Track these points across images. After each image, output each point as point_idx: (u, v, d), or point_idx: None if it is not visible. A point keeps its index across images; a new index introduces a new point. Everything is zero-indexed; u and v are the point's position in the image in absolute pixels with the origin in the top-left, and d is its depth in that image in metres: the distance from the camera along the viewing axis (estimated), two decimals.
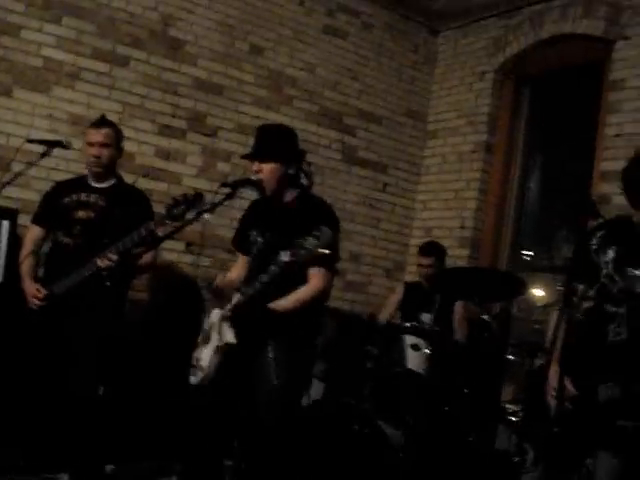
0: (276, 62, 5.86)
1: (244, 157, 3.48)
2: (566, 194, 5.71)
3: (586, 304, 3.01)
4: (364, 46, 6.33)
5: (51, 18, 4.94)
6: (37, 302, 3.81)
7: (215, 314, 3.28)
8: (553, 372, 2.88)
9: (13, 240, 4.15)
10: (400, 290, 5.50)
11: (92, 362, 3.73)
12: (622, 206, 3.15)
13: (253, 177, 3.29)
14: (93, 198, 3.93)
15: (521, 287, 4.42)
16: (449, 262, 5.53)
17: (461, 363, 4.49)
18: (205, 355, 3.25)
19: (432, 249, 5.28)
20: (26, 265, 3.97)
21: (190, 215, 3.38)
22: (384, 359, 4.36)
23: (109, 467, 4.05)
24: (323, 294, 3.30)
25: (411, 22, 6.57)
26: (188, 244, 5.30)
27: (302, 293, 3.22)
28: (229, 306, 3.19)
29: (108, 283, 3.58)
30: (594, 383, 2.80)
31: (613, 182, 4.84)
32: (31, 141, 4.07)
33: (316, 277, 3.23)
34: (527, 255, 5.93)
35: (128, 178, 4.35)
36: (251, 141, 3.47)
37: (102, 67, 5.13)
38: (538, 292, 5.46)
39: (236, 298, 3.19)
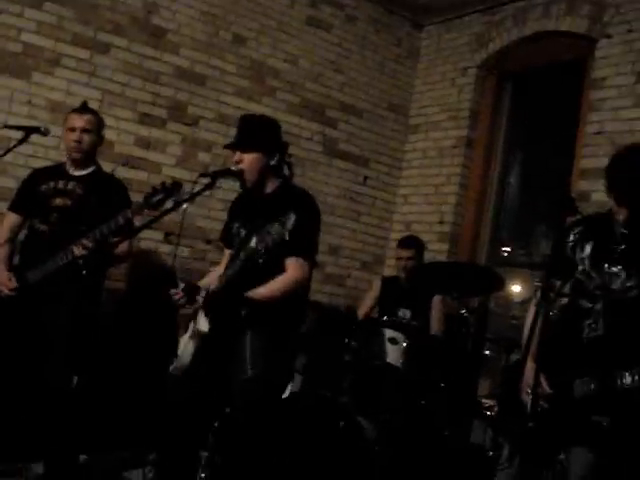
0: (259, 53, 5.83)
1: (226, 147, 3.45)
2: (546, 191, 5.74)
3: (561, 300, 3.03)
4: (347, 39, 6.31)
5: (32, 3, 4.87)
6: (7, 292, 3.77)
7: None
8: (529, 368, 2.89)
9: None
10: (377, 285, 5.50)
11: (66, 351, 3.70)
12: (601, 203, 3.17)
13: (233, 167, 3.27)
14: (71, 186, 3.90)
15: (499, 283, 4.44)
16: (428, 257, 5.54)
17: (438, 357, 4.50)
18: (181, 344, 3.25)
19: (411, 242, 5.31)
20: (1, 253, 3.93)
21: (168, 204, 3.36)
22: (363, 352, 4.36)
23: (83, 457, 4.02)
24: (300, 284, 3.27)
25: (395, 16, 6.56)
26: (167, 234, 5.29)
27: (278, 282, 3.19)
28: (203, 294, 3.18)
29: (84, 271, 3.54)
30: (570, 379, 2.81)
31: (592, 179, 4.88)
32: (8, 127, 4.03)
33: (292, 267, 3.21)
34: (505, 251, 5.95)
35: (107, 167, 4.32)
36: (232, 132, 3.46)
37: (82, 54, 5.07)
38: (516, 288, 5.49)
39: (212, 287, 3.19)
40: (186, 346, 3.22)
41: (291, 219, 2.90)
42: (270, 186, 3.33)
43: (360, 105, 6.38)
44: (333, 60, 6.23)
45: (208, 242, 5.46)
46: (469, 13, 6.28)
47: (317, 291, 5.78)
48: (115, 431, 4.44)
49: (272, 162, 3.29)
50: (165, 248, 5.31)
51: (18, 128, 3.91)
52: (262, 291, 3.16)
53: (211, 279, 3.46)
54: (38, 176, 4.04)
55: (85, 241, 3.56)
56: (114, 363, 4.75)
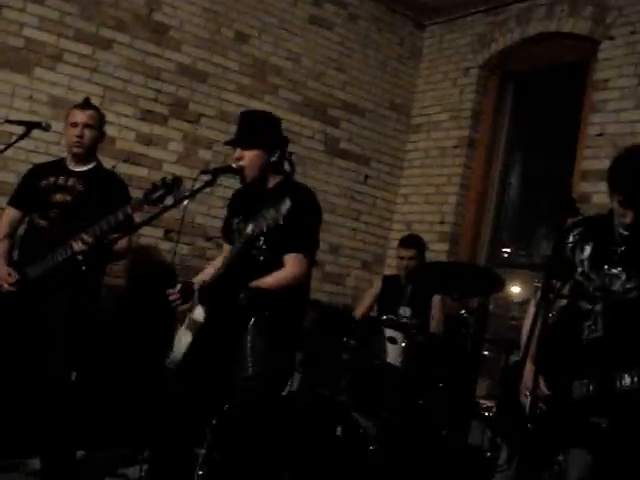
0: (261, 50, 5.82)
1: (226, 143, 3.45)
2: (547, 192, 5.73)
3: (561, 302, 3.03)
4: (350, 37, 6.30)
5: None
6: (7, 287, 3.77)
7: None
8: (528, 370, 2.88)
9: None
10: (378, 284, 5.50)
11: (65, 347, 3.69)
12: (602, 205, 3.16)
13: (234, 164, 3.27)
14: (71, 182, 3.89)
15: (499, 283, 4.44)
16: (429, 256, 5.54)
17: (437, 357, 4.49)
18: (177, 335, 3.24)
19: (413, 241, 5.30)
20: (1, 248, 3.93)
21: (168, 201, 3.35)
22: (362, 351, 4.35)
23: (80, 453, 4.02)
24: (298, 280, 3.25)
25: (397, 15, 6.56)
26: (167, 231, 5.29)
27: (275, 276, 3.17)
28: (200, 283, 3.18)
29: (84, 267, 3.54)
30: (568, 380, 2.81)
31: (594, 181, 4.87)
32: (9, 122, 4.03)
33: (290, 262, 3.19)
34: (506, 252, 5.95)
35: (108, 163, 4.31)
36: (234, 129, 3.45)
37: (85, 49, 5.07)
38: (516, 289, 5.48)
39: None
40: (181, 337, 3.21)
41: (286, 204, 2.87)
42: (271, 182, 3.32)
43: (362, 104, 6.38)
44: (335, 59, 6.22)
45: (208, 239, 5.45)
46: (472, 13, 6.28)
47: (317, 290, 5.77)
48: (113, 427, 4.44)
49: (273, 159, 3.28)
50: (165, 245, 5.30)
51: (19, 123, 3.92)
52: (260, 283, 3.14)
53: (205, 274, 3.45)
54: (38, 171, 4.03)
55: (85, 237, 3.55)
56: (113, 359, 4.74)
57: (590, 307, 2.89)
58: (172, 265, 5.06)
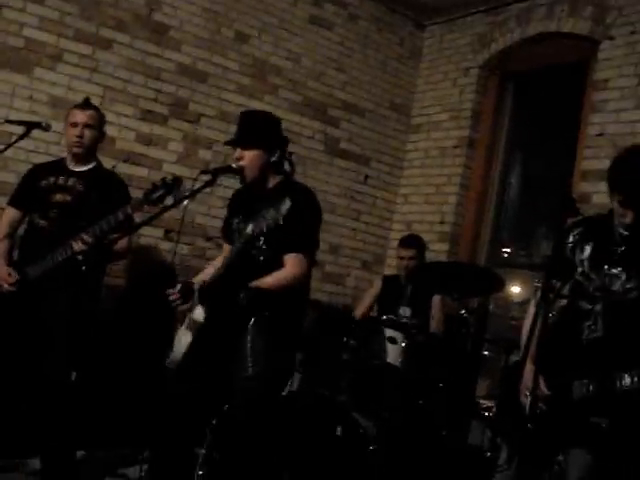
0: (261, 50, 5.82)
1: (226, 143, 3.45)
2: (547, 192, 5.73)
3: (561, 302, 3.03)
4: (350, 37, 6.30)
5: None
6: (7, 287, 3.77)
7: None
8: (528, 370, 2.88)
9: None
10: (378, 284, 5.50)
11: (65, 346, 3.69)
12: (602, 205, 3.16)
13: (234, 164, 3.27)
14: (71, 182, 3.89)
15: (499, 283, 4.44)
16: (429, 256, 5.54)
17: (437, 357, 4.49)
18: (177, 336, 3.24)
19: (413, 241, 5.30)
20: (1, 248, 3.93)
21: (168, 201, 3.35)
22: (362, 351, 4.35)
23: (80, 453, 4.02)
24: (298, 280, 3.24)
25: (397, 15, 6.56)
26: (167, 231, 5.29)
27: (274, 276, 3.17)
28: (199, 283, 3.18)
29: (84, 267, 3.54)
30: (568, 380, 2.81)
31: (594, 181, 4.87)
32: (9, 122, 4.03)
33: (290, 262, 3.19)
34: (506, 252, 5.95)
35: (108, 163, 4.31)
36: (234, 129, 3.45)
37: (85, 49, 5.07)
38: (516, 289, 5.48)
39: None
40: (181, 337, 3.21)
41: (286, 204, 2.87)
42: (271, 182, 3.32)
43: (362, 104, 6.38)
44: (335, 59, 6.22)
45: (208, 239, 5.45)
46: (472, 13, 6.27)
47: (317, 290, 5.77)
48: (113, 427, 4.43)
49: (273, 159, 3.28)
50: (165, 245, 5.30)
51: (19, 123, 3.92)
52: (259, 283, 3.14)
53: (205, 274, 3.45)
54: (38, 171, 4.03)
55: (85, 237, 3.55)
56: (113, 359, 4.74)
57: (590, 307, 2.89)
58: (172, 265, 5.05)
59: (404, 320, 4.56)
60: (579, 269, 2.97)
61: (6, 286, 3.76)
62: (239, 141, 3.29)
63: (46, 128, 3.85)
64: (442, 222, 6.12)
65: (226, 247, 3.54)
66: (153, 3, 5.32)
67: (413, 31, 6.67)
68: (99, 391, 4.50)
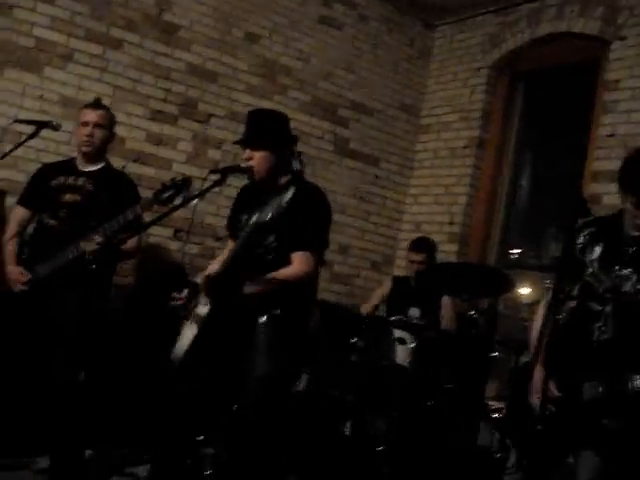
0: (271, 51, 5.82)
1: (236, 142, 3.44)
2: (557, 192, 5.70)
3: (570, 303, 3.01)
4: (359, 38, 6.30)
5: None
6: (20, 286, 3.78)
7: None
8: (538, 371, 2.87)
9: (0, 220, 4.13)
10: (388, 284, 5.49)
11: (74, 346, 3.70)
12: (613, 206, 3.13)
13: (243, 164, 3.26)
14: (81, 181, 3.90)
15: (509, 284, 4.43)
16: (438, 257, 5.52)
17: (446, 358, 4.48)
18: (184, 329, 3.23)
19: (423, 245, 5.27)
20: (11, 247, 3.94)
21: (178, 201, 3.35)
22: (372, 352, 4.35)
23: (88, 452, 4.02)
24: (306, 278, 3.21)
25: (407, 15, 6.55)
26: (176, 231, 5.29)
27: (281, 272, 3.14)
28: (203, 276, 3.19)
29: (93, 266, 3.54)
30: (579, 382, 2.79)
31: (604, 182, 4.85)
32: (19, 121, 4.04)
33: (297, 260, 3.16)
34: (515, 253, 5.92)
35: (118, 162, 4.32)
36: (243, 129, 3.44)
37: (95, 49, 5.08)
38: (526, 290, 5.45)
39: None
40: (186, 331, 3.20)
41: (289, 192, 2.86)
42: (280, 181, 3.30)
43: (371, 104, 6.37)
44: (345, 59, 6.22)
45: (217, 239, 5.45)
46: (482, 13, 6.26)
47: (325, 290, 5.77)
48: (121, 426, 4.43)
49: (282, 158, 3.27)
50: (174, 245, 5.31)
51: (29, 122, 3.91)
52: (266, 278, 3.12)
53: (210, 270, 3.43)
54: (48, 171, 4.04)
55: (94, 236, 3.56)
56: (122, 359, 4.74)
57: (600, 308, 2.87)
58: (181, 265, 5.06)
59: (414, 321, 4.56)
60: (589, 270, 2.95)
61: (19, 286, 3.77)
62: (248, 142, 3.28)
63: (56, 127, 3.85)
64: (451, 223, 6.10)
65: (230, 243, 3.53)
66: (163, 3, 5.33)
67: (423, 31, 6.66)
68: (108, 390, 4.50)
